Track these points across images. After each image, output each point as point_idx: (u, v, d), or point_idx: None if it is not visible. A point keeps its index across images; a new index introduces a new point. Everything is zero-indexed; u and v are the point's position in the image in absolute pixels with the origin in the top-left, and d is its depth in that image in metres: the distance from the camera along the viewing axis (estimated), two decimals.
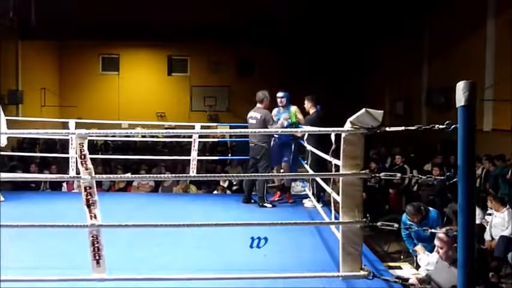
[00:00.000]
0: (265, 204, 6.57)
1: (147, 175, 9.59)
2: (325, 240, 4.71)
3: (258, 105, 6.73)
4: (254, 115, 6.68)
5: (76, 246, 3.60)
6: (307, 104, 6.89)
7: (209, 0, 16.23)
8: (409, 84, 16.77)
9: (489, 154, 10.09)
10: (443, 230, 3.68)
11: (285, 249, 4.48)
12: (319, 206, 5.79)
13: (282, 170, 6.96)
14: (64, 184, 9.78)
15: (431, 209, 5.96)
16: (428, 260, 4.98)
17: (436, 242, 3.93)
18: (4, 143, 6.23)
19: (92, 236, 2.98)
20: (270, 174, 6.80)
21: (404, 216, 5.84)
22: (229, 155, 14.07)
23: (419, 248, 5.65)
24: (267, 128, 6.50)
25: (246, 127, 6.85)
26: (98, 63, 21.63)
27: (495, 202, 7.44)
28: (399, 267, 5.18)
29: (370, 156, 12.37)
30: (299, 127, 6.78)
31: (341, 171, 3.18)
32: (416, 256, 5.83)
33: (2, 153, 7.13)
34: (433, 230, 3.63)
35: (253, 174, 6.74)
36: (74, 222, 3.08)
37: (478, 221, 7.48)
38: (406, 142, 13.87)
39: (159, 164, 11.35)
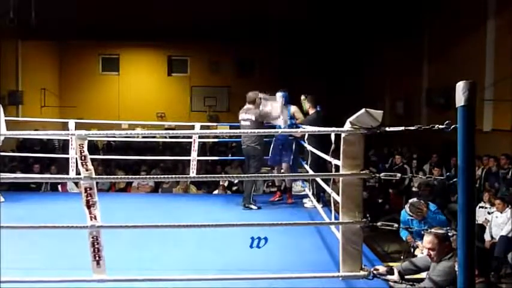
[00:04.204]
0: (251, 206, 6.43)
1: (147, 176, 9.59)
2: (325, 240, 4.71)
3: (249, 105, 6.66)
4: (247, 116, 6.60)
5: (76, 247, 3.59)
6: (307, 104, 6.89)
7: (209, 0, 16.22)
8: (409, 84, 16.76)
9: (489, 154, 10.10)
10: (441, 231, 3.68)
11: (285, 249, 4.49)
12: (319, 206, 5.79)
13: (282, 170, 6.95)
14: (59, 185, 9.75)
15: (430, 204, 5.99)
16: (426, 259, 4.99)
17: (428, 245, 3.86)
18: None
19: (92, 237, 2.98)
20: (269, 174, 6.80)
21: (403, 212, 5.86)
22: (230, 155, 14.06)
23: (418, 245, 5.68)
24: (261, 128, 6.46)
25: None
26: (98, 63, 21.63)
27: (498, 202, 7.44)
28: None
29: (369, 158, 12.36)
30: (299, 127, 6.77)
31: (341, 171, 3.18)
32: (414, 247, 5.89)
33: (2, 153, 7.13)
34: (433, 230, 3.63)
35: (252, 174, 6.72)
36: (74, 223, 3.08)
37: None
38: (406, 142, 13.87)
39: (158, 165, 11.34)
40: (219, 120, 19.73)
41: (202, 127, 8.03)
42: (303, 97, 7.01)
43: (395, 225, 3.17)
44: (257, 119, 6.50)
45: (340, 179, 3.24)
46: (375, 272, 3.24)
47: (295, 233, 4.91)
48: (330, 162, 4.04)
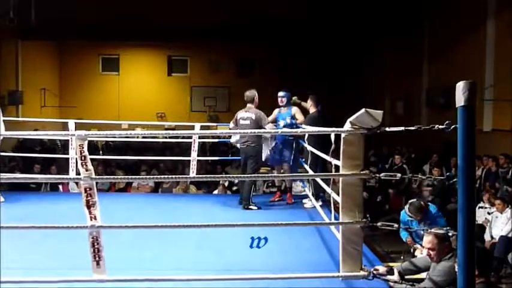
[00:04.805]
0: (251, 207, 6.42)
1: (147, 176, 9.59)
2: (325, 240, 4.71)
3: (249, 105, 6.67)
4: (247, 115, 6.61)
5: (76, 247, 3.59)
6: (309, 103, 6.89)
7: (209, 0, 16.23)
8: (409, 84, 16.76)
9: (489, 154, 10.09)
10: (441, 231, 3.67)
11: (285, 249, 4.49)
12: (319, 206, 5.79)
13: (282, 170, 6.94)
14: (60, 185, 9.74)
15: (431, 205, 5.99)
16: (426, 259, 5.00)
17: (428, 245, 3.86)
18: None
19: (92, 238, 2.98)
20: (269, 174, 6.79)
21: (403, 212, 5.86)
22: (230, 155, 14.06)
23: (418, 247, 5.68)
24: (261, 128, 6.46)
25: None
26: (98, 63, 21.61)
27: (498, 202, 7.43)
28: None
29: (369, 158, 12.35)
30: (299, 127, 6.77)
31: (341, 172, 3.17)
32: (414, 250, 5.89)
33: (2, 153, 7.12)
34: (433, 230, 3.63)
35: (252, 175, 6.70)
36: (74, 223, 3.08)
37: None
38: (406, 143, 13.87)
39: (158, 165, 11.33)
40: (219, 120, 19.72)
41: (202, 127, 8.03)
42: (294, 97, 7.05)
43: (396, 225, 3.17)
44: (257, 118, 6.50)
45: (340, 179, 3.24)
46: (374, 272, 3.24)
47: (295, 233, 4.91)
48: (330, 162, 4.04)
